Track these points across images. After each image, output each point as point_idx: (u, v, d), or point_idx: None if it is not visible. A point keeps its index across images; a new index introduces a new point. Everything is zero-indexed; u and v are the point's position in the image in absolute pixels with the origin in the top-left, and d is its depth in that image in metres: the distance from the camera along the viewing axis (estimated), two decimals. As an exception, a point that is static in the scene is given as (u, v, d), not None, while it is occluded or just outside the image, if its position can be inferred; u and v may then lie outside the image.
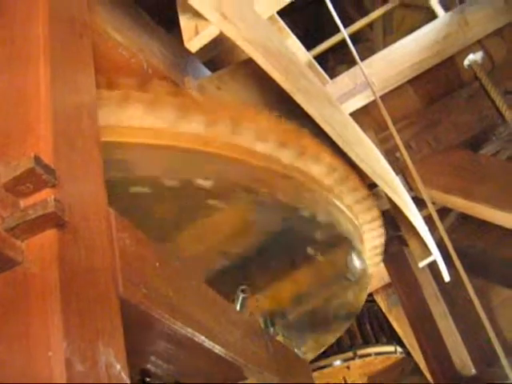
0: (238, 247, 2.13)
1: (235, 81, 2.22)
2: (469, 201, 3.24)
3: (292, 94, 1.96)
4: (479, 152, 3.49)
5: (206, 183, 1.83)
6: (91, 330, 0.87)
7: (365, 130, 2.87)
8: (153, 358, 1.32)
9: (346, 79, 3.33)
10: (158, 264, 1.17)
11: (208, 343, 1.31)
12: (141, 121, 1.79)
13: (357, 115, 3.13)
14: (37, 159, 0.89)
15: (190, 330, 1.22)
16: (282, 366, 1.90)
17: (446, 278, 3.10)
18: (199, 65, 2.42)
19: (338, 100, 3.13)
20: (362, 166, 2.35)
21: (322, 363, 4.75)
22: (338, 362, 4.80)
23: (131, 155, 1.77)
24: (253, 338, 1.71)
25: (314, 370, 4.59)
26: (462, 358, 3.48)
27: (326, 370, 4.78)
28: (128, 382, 0.93)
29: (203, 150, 1.86)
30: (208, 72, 2.41)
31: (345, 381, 4.98)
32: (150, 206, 1.77)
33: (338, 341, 4.57)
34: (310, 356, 3.20)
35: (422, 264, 3.20)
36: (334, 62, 5.69)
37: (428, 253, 3.13)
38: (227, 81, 2.20)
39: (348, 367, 4.82)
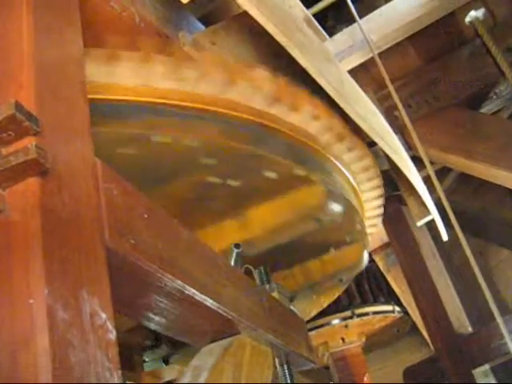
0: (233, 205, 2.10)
1: (230, 35, 2.17)
2: (469, 160, 3.22)
3: (288, 48, 1.91)
4: (479, 110, 3.46)
5: (194, 142, 1.79)
6: (74, 277, 0.86)
7: (363, 89, 2.82)
8: (144, 312, 1.32)
9: (344, 37, 3.27)
10: (146, 215, 1.16)
11: (199, 296, 1.30)
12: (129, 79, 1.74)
13: (355, 73, 3.07)
14: (17, 105, 0.87)
15: (180, 282, 1.21)
16: (277, 323, 1.90)
17: (444, 237, 3.09)
18: (193, 20, 2.37)
19: (337, 57, 3.08)
20: (361, 123, 2.31)
21: (320, 322, 4.77)
22: (336, 321, 4.82)
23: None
24: (247, 293, 1.70)
25: (312, 329, 4.62)
26: (458, 317, 3.50)
27: (324, 329, 4.80)
28: (114, 331, 0.92)
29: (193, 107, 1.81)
30: (203, 27, 2.36)
31: (343, 340, 5.02)
32: (138, 164, 1.73)
33: (337, 300, 4.59)
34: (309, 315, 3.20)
35: (420, 223, 3.19)
36: (334, 21, 5.61)
37: (426, 212, 3.12)
38: (222, 36, 2.15)
39: (346, 326, 4.85)
